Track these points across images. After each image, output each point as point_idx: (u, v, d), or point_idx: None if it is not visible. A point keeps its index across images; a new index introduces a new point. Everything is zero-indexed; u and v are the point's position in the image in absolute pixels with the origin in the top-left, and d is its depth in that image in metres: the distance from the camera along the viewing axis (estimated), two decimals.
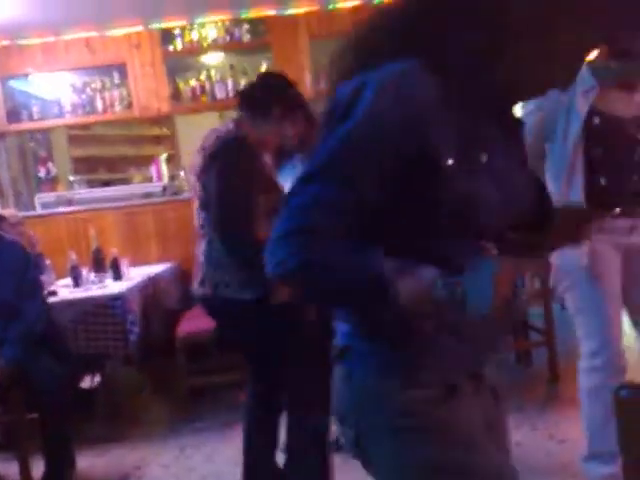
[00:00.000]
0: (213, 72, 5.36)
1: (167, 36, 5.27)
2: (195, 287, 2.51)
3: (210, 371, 3.85)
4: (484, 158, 1.04)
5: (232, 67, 5.36)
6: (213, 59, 5.56)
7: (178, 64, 5.38)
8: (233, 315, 2.45)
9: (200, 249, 2.48)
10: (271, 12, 5.29)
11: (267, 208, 2.29)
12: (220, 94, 5.28)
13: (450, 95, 1.00)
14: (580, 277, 2.35)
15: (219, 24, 5.33)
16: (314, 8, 5.23)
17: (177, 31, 5.29)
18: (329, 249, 0.97)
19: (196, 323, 3.88)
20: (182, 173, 5.22)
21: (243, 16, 5.32)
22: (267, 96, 2.47)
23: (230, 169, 2.31)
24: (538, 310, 3.73)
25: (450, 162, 0.99)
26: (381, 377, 1.07)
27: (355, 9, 5.16)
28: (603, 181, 2.29)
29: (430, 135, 0.99)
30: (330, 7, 5.23)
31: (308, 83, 5.19)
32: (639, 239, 2.37)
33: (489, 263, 0.99)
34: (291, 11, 5.25)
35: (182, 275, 4.55)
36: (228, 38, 5.33)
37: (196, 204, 2.50)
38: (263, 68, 5.28)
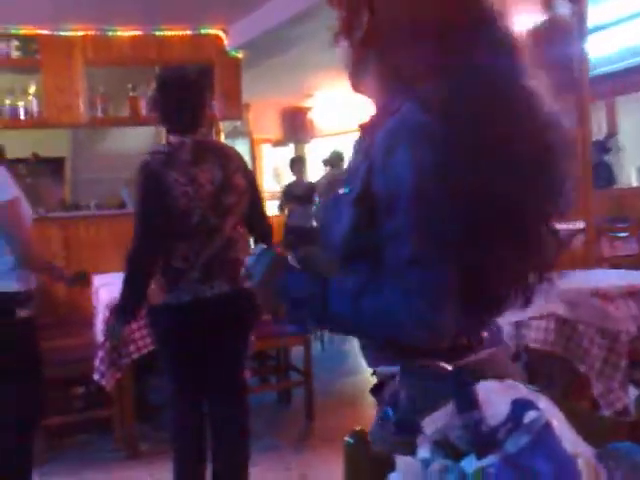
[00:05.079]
0: None
1: None
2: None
3: None
4: None
5: None
6: None
7: None
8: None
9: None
10: (44, 31, 4.98)
11: None
12: None
13: None
14: None
15: None
16: (91, 32, 5.02)
17: None
18: None
19: None
20: None
21: (12, 32, 4.95)
22: None
23: None
24: (299, 350, 3.83)
25: None
26: None
27: (134, 38, 5.04)
28: None
29: None
30: (109, 33, 5.06)
31: (82, 109, 4.93)
32: None
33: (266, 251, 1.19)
34: (66, 33, 4.98)
35: None
36: None
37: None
38: (32, 89, 4.93)
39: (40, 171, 4.97)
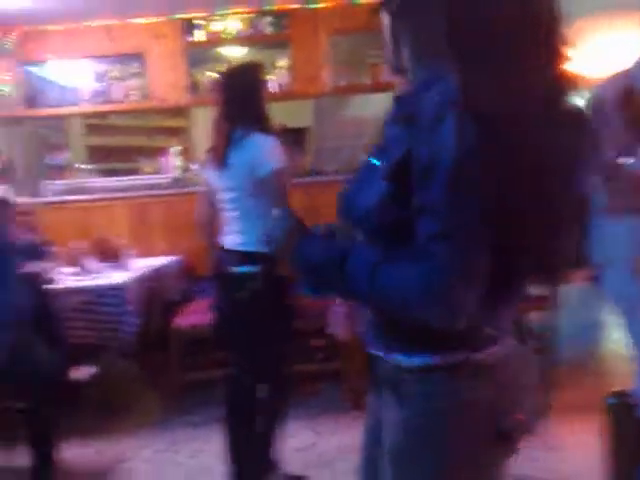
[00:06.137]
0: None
1: (188, 27, 5.24)
2: None
3: (205, 365, 3.84)
4: None
5: None
6: (233, 52, 5.51)
7: (198, 55, 5.33)
8: None
9: None
10: (295, 5, 5.21)
11: None
12: None
13: None
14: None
15: (242, 16, 5.28)
16: (337, 2, 5.13)
17: (199, 22, 5.26)
18: None
19: (194, 317, 3.85)
20: (195, 166, 5.18)
21: (266, 8, 5.25)
22: None
23: None
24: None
25: None
26: None
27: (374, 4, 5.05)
28: None
29: None
30: (354, 1, 5.14)
31: (327, 80, 5.11)
32: None
33: (286, 216, 1.22)
34: (314, 5, 5.16)
35: (186, 269, 4.52)
36: (251, 31, 5.27)
37: None
38: (282, 63, 5.22)
39: (286, 140, 5.24)
